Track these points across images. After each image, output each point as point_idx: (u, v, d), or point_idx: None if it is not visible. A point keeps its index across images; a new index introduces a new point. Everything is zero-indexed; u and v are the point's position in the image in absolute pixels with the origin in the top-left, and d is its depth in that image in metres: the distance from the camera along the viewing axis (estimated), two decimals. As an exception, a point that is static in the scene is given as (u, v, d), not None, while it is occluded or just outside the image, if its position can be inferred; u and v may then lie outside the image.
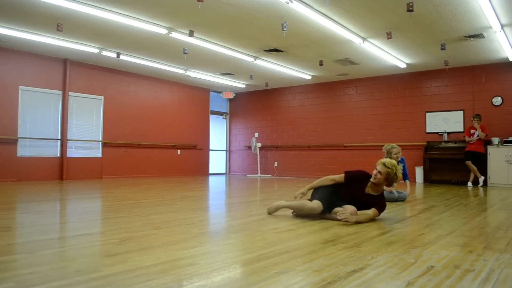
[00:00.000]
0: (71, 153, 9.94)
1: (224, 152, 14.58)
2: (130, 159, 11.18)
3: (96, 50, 8.84)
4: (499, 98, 9.54)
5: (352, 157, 11.59)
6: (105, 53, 8.99)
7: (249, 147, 13.63)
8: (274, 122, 13.39)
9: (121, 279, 1.94)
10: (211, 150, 13.88)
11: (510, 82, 9.46)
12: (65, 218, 3.98)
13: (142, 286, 1.83)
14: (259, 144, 13.11)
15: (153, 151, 11.81)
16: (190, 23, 7.12)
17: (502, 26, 6.97)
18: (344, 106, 11.90)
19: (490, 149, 9.03)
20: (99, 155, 10.54)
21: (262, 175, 13.06)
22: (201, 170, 13.30)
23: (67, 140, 9.80)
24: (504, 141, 9.01)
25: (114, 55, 9.13)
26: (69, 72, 9.81)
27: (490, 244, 2.84)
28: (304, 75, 11.18)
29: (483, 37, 7.62)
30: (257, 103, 13.83)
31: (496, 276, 2.06)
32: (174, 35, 7.59)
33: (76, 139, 10.03)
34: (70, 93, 9.90)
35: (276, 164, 13.23)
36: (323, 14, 6.54)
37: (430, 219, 4.00)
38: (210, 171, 13.71)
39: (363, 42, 7.91)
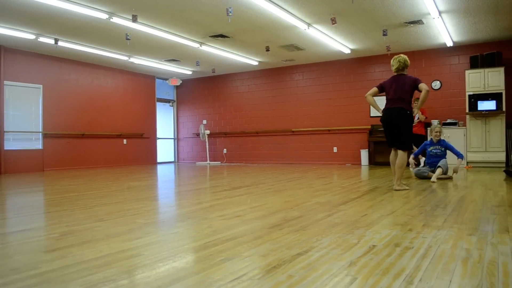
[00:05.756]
0: (9, 145, 9.42)
1: (172, 140, 14.37)
2: (73, 150, 10.76)
3: (32, 36, 8.37)
4: (438, 82, 9.96)
5: (299, 141, 11.74)
6: (42, 39, 8.53)
7: (198, 135, 13.50)
8: (222, 108, 13.32)
9: (60, 275, 1.86)
10: (159, 138, 13.63)
11: (447, 67, 9.89)
12: (2, 214, 3.78)
13: (82, 281, 1.77)
14: (208, 131, 13.01)
15: (97, 141, 11.43)
16: (132, 8, 6.88)
17: (440, 12, 7.24)
18: (291, 92, 12.00)
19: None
20: (40, 146, 10.06)
21: (211, 162, 12.99)
22: (149, 159, 13.04)
23: (4, 132, 9.27)
24: (443, 123, 9.45)
25: (52, 42, 8.69)
26: (3, 60, 9.24)
27: (428, 222, 2.97)
28: (251, 61, 11.16)
29: (423, 23, 7.89)
30: (204, 89, 13.68)
31: (433, 252, 2.15)
32: (116, 20, 7.31)
33: (14, 131, 9.51)
34: (6, 82, 9.34)
35: (225, 151, 13.20)
36: (268, -1, 6.51)
37: (373, 200, 4.13)
38: (158, 160, 13.48)
39: (308, 28, 7.97)
